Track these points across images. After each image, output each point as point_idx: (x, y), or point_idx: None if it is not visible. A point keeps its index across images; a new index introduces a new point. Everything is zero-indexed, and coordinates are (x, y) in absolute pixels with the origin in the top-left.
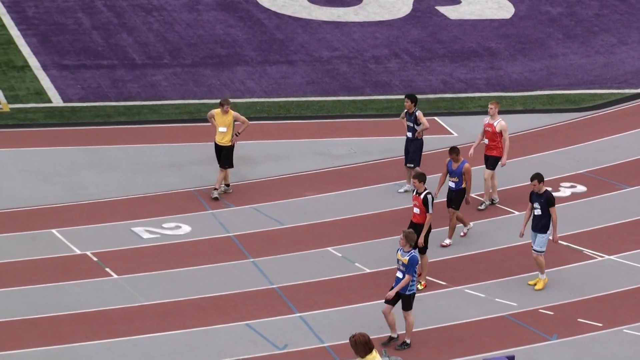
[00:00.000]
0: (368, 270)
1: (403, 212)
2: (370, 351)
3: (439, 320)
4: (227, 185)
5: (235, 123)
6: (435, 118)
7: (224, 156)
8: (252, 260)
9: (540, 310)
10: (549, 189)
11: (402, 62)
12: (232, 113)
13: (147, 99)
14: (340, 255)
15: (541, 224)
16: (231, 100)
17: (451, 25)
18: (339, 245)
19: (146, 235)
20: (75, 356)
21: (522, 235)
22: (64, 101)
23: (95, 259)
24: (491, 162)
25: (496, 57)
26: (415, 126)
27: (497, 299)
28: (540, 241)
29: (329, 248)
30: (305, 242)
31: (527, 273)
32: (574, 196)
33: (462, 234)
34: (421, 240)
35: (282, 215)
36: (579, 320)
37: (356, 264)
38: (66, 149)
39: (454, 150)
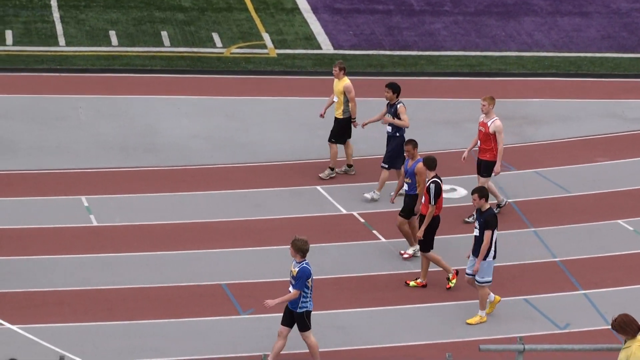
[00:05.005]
0: None
1: None
2: (639, 329)
3: None
4: (349, 165)
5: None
6: None
7: (333, 129)
8: (533, 229)
9: None
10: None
11: None
12: (345, 81)
13: (425, 48)
14: (632, 229)
15: (481, 248)
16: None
17: None
18: (632, 218)
19: None
20: (335, 323)
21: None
22: (335, 48)
23: (362, 220)
24: (484, 168)
25: None
26: (397, 119)
27: None
28: (482, 269)
29: (619, 221)
30: (594, 212)
31: None
32: None
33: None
34: (420, 233)
35: (569, 182)
36: None
37: None
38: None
39: (408, 143)
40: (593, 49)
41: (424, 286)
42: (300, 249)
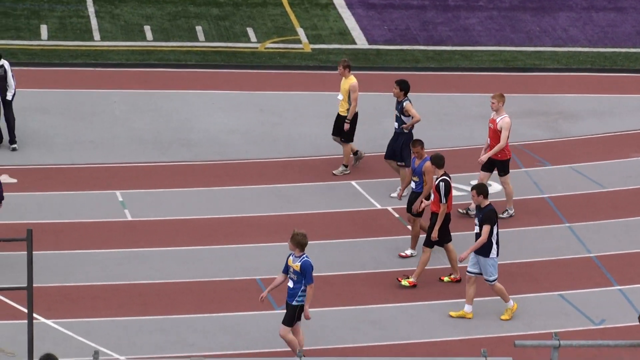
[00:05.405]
0: None
1: None
2: None
3: None
4: (357, 155)
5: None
6: None
7: (339, 127)
8: (568, 225)
9: None
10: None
11: None
12: (351, 81)
13: (459, 44)
14: None
15: (483, 245)
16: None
17: None
18: None
19: None
20: (370, 318)
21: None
22: (369, 43)
23: (396, 215)
24: (500, 166)
25: None
26: (403, 117)
27: None
28: (487, 269)
29: None
30: (629, 208)
31: None
32: None
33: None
34: (434, 234)
35: (604, 178)
36: None
37: None
38: (369, 95)
39: (416, 144)
40: (628, 44)
41: (458, 281)
42: (300, 243)
